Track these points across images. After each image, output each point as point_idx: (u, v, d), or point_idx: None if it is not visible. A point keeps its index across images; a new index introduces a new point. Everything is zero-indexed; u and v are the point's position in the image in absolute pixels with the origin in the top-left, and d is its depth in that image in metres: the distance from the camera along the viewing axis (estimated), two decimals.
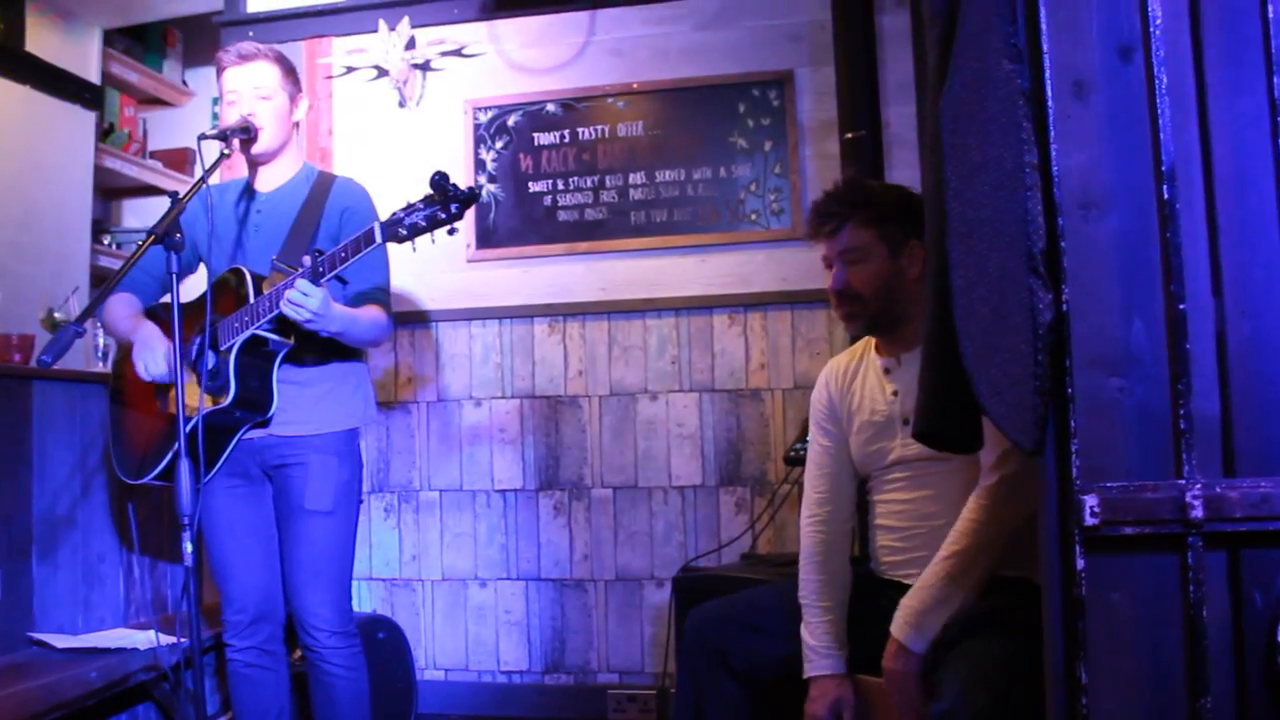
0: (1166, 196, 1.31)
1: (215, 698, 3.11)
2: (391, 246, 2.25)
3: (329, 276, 2.23)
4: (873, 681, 2.10)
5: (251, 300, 2.35)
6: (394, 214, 2.18)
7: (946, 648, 1.92)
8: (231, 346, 2.35)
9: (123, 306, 2.57)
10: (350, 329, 2.39)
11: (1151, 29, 1.33)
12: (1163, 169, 1.31)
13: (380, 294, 2.53)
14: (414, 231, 2.17)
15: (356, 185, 2.63)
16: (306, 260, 2.24)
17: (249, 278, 2.39)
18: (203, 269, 2.67)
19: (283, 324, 2.33)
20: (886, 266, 2.15)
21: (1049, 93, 1.32)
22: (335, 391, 2.56)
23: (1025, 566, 1.95)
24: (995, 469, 1.90)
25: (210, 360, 2.34)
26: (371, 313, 2.48)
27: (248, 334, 2.33)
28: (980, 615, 1.94)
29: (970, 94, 1.34)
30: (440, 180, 2.14)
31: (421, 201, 2.17)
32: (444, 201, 2.15)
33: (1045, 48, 1.33)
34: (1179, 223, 1.30)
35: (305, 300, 2.22)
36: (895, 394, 2.17)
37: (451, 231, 2.17)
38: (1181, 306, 1.29)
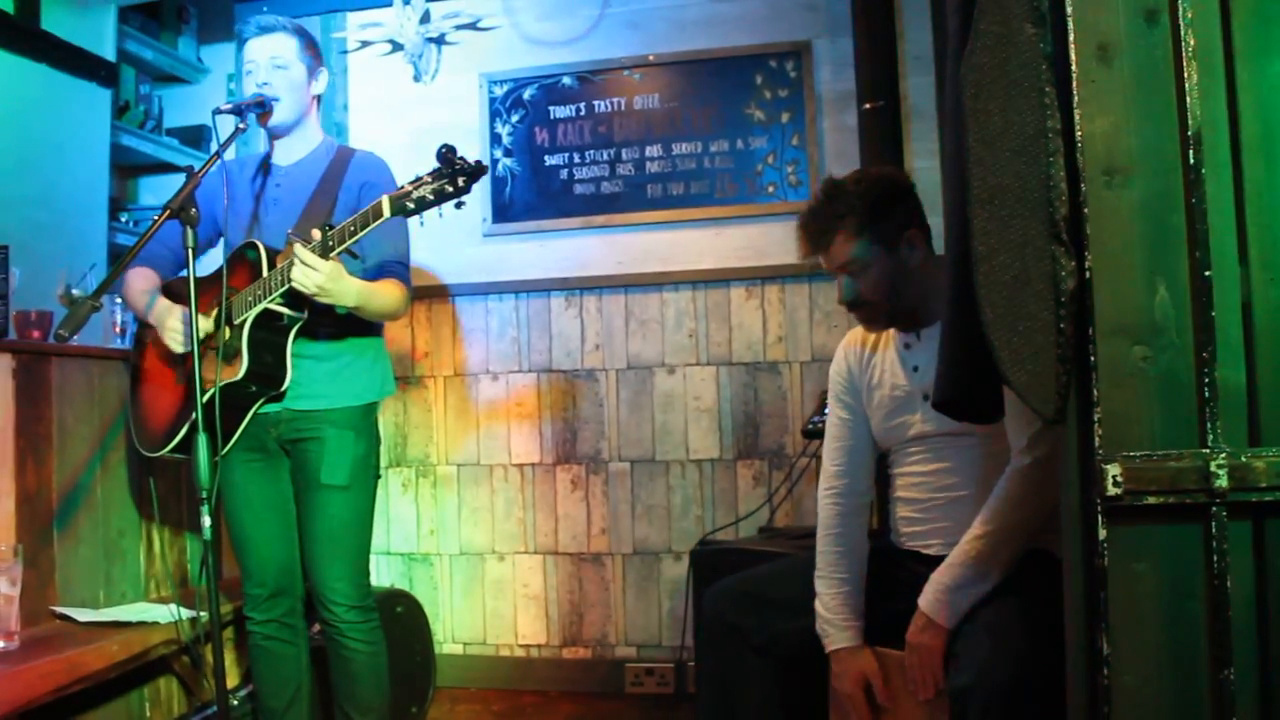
0: (1192, 162, 1.28)
1: (235, 671, 3.14)
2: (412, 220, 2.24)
3: (339, 250, 2.23)
4: (890, 654, 2.10)
5: (265, 274, 2.35)
6: (401, 188, 2.18)
7: (966, 619, 1.91)
8: (245, 320, 2.35)
9: (139, 280, 2.57)
10: (368, 303, 2.38)
11: None
12: (1188, 134, 1.28)
13: (399, 267, 2.53)
14: (421, 205, 2.16)
15: (376, 159, 2.62)
16: (316, 234, 2.24)
17: (264, 252, 2.39)
18: (223, 243, 2.67)
19: (297, 298, 2.33)
20: (888, 266, 2.12)
21: (1072, 57, 1.30)
22: (352, 366, 2.56)
23: (1044, 539, 1.94)
24: (1028, 451, 1.88)
25: (225, 334, 2.35)
26: (389, 286, 2.47)
27: (260, 307, 2.33)
28: (1000, 586, 1.93)
29: (992, 59, 1.32)
30: (447, 153, 2.13)
31: (429, 175, 2.16)
32: (451, 175, 2.14)
33: (1069, 11, 1.30)
34: (1204, 189, 1.28)
35: (310, 274, 2.21)
36: (916, 369, 2.16)
37: (459, 205, 2.16)
38: (1207, 274, 1.27)
